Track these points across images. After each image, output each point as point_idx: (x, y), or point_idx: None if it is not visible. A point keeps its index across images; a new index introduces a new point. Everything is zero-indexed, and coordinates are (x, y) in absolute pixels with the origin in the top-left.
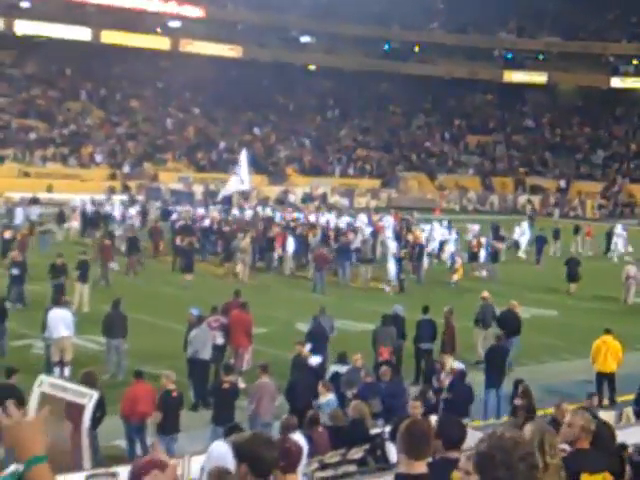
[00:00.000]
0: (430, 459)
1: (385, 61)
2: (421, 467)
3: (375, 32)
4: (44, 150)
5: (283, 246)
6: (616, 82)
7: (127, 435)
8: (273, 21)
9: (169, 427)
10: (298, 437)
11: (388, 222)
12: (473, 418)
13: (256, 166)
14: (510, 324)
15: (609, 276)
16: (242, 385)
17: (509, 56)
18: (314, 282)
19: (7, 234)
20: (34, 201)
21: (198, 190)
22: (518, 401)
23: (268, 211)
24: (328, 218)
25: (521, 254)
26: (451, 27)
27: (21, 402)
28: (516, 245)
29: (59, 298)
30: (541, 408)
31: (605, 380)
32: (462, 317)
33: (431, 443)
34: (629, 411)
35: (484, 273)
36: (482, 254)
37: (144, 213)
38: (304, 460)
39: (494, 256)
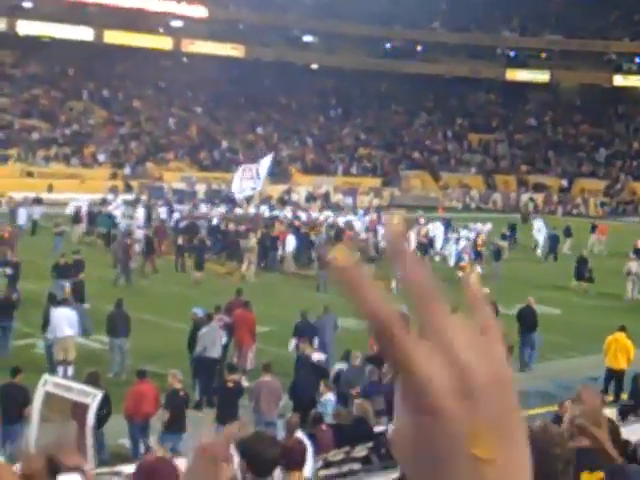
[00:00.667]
0: None
1: (387, 60)
2: None
3: (377, 31)
4: (47, 150)
5: (283, 245)
6: (619, 80)
7: (131, 434)
8: (275, 20)
9: (176, 426)
10: (301, 436)
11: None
12: None
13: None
14: (528, 320)
15: (616, 274)
16: (246, 384)
17: (511, 54)
18: (318, 280)
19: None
20: (37, 201)
21: (201, 189)
22: None
23: (276, 211)
24: (329, 216)
25: (539, 252)
26: (453, 26)
27: (26, 402)
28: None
29: (77, 296)
30: (546, 405)
31: (613, 377)
32: None
33: None
34: None
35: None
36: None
37: (149, 213)
38: (310, 459)
39: (497, 254)
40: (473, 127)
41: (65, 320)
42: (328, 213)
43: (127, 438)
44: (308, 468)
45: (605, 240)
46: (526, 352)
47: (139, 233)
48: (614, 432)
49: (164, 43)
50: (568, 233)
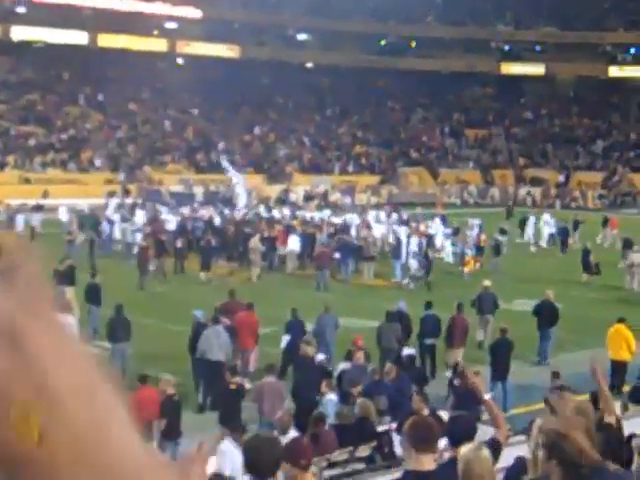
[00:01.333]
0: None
1: (382, 57)
2: (429, 464)
3: (371, 27)
4: (44, 156)
5: (285, 244)
6: (614, 71)
7: None
8: (269, 19)
9: (173, 432)
10: (295, 435)
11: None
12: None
13: (256, 165)
14: (546, 314)
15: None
16: (248, 386)
17: (506, 48)
18: (317, 280)
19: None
20: (36, 208)
21: (199, 191)
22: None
23: (276, 211)
24: (326, 215)
25: (544, 245)
26: (447, 20)
27: None
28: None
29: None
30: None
31: (617, 369)
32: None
33: (437, 437)
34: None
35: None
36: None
37: (154, 216)
38: None
39: (496, 249)
40: (469, 122)
41: (66, 327)
42: (326, 212)
43: None
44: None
45: (616, 233)
46: (544, 346)
47: (138, 237)
48: (589, 432)
49: (159, 45)
50: (576, 227)
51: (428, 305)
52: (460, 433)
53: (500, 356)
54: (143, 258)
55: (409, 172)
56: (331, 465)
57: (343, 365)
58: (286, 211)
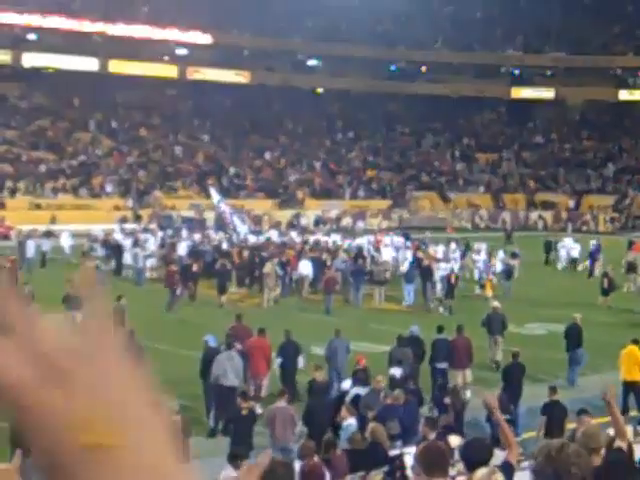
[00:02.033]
0: None
1: (392, 82)
2: None
3: (381, 53)
4: (54, 182)
5: (296, 269)
6: (624, 95)
7: None
8: (279, 45)
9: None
10: (318, 461)
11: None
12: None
13: (266, 191)
14: (573, 337)
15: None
16: (259, 411)
17: (516, 72)
18: (325, 305)
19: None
20: (47, 234)
21: (210, 217)
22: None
23: (292, 235)
24: (338, 240)
25: (580, 268)
26: (457, 45)
27: None
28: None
29: (117, 321)
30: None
31: (630, 390)
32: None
33: (448, 462)
34: None
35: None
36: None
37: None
38: None
39: (508, 273)
40: (480, 146)
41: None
42: (336, 237)
43: None
44: None
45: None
46: (573, 369)
47: (149, 262)
48: (597, 452)
49: (169, 71)
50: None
51: (440, 329)
52: (475, 457)
53: (512, 380)
54: (171, 281)
55: (420, 196)
56: None
57: (356, 389)
58: (296, 236)
